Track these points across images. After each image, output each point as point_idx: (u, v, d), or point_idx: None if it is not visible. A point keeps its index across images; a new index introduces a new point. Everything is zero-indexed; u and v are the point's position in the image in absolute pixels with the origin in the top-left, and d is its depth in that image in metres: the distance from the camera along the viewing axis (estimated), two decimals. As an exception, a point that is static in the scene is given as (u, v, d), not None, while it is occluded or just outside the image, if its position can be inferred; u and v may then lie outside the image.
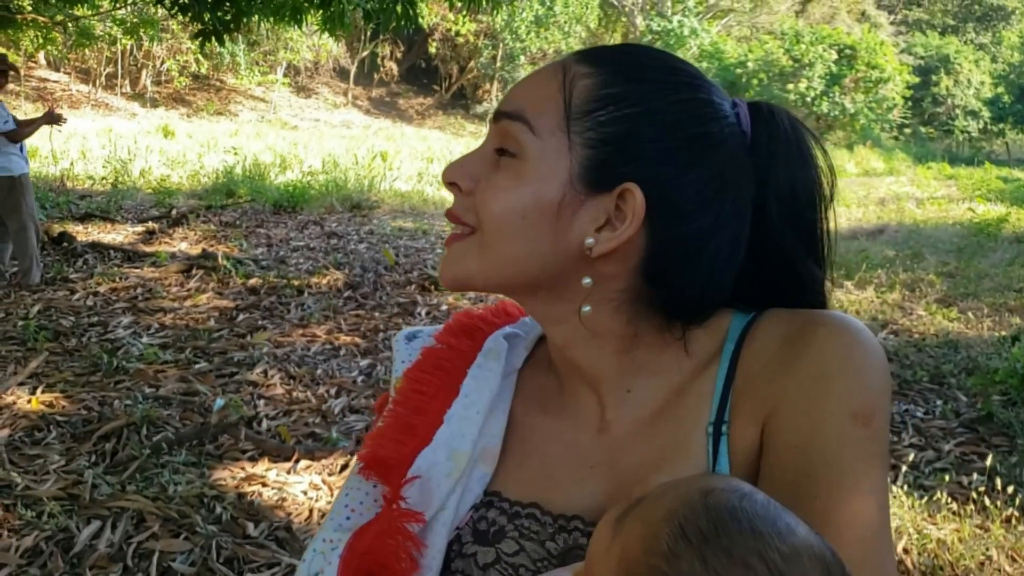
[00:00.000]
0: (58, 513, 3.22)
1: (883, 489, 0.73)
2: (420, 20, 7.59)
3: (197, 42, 7.80)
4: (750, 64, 32.21)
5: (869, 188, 17.95)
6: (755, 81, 31.66)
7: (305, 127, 26.49)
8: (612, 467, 0.81)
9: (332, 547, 0.82)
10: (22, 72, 6.99)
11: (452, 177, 0.81)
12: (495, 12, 9.18)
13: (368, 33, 29.62)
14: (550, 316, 0.83)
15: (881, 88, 31.12)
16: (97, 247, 8.06)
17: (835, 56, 30.76)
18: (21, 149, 6.81)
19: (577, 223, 0.77)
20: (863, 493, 0.70)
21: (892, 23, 43.74)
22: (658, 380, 0.82)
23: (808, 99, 30.69)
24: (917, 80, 33.12)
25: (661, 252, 0.77)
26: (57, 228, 8.43)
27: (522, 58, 37.23)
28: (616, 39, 40.15)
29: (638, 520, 0.63)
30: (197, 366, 5.00)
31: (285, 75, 31.21)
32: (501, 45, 36.46)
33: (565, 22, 36.58)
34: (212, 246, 8.47)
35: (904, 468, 3.64)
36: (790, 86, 30.83)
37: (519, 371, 0.93)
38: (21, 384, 4.54)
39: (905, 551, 3.02)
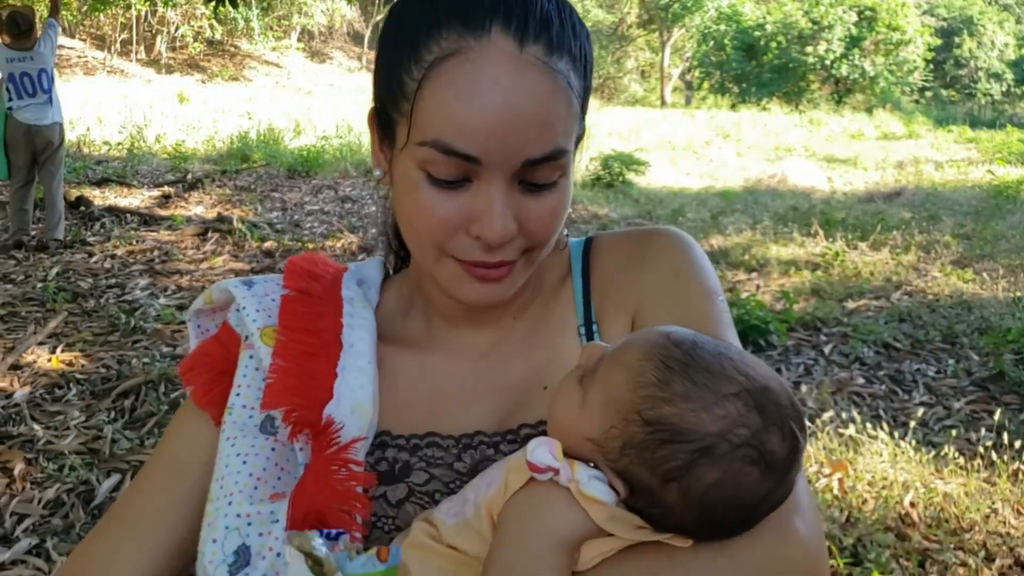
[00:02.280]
0: (79, 466, 3.29)
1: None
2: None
3: (211, 7, 7.77)
4: (768, 27, 31.80)
5: (887, 151, 17.75)
6: (773, 44, 31.28)
7: (319, 92, 26.42)
8: (498, 386, 0.89)
9: (249, 521, 0.78)
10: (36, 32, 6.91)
11: (508, 235, 0.77)
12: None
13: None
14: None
15: (902, 50, 30.68)
16: (114, 211, 8.12)
17: (855, 18, 30.32)
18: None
19: None
20: (735, 341, 0.85)
21: (914, -17, 43.00)
22: (533, 304, 0.94)
23: (827, 62, 30.31)
24: (939, 42, 32.63)
25: None
26: (75, 192, 8.49)
27: (537, 21, 36.89)
28: (634, 2, 39.63)
29: (616, 367, 0.72)
30: (213, 326, 5.05)
31: (299, 40, 31.10)
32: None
33: (581, -16, 36.15)
34: (227, 210, 8.51)
35: (913, 424, 3.66)
36: (809, 49, 30.44)
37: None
38: (41, 343, 4.61)
39: (912, 504, 3.05)
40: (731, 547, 0.69)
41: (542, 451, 0.70)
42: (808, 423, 3.69)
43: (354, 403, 0.83)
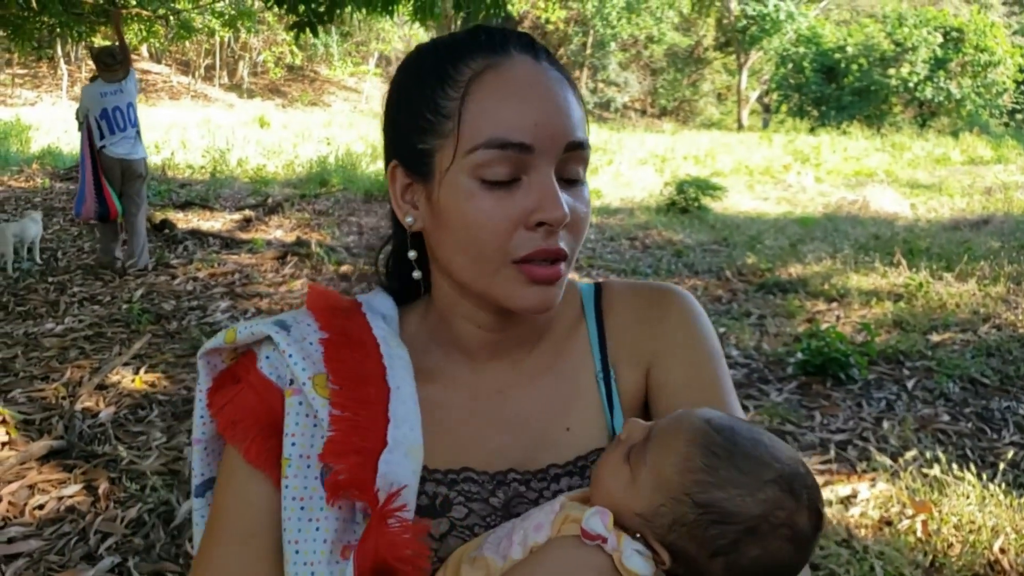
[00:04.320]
0: (160, 487, 3.37)
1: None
2: (510, 7, 7.61)
3: (292, 33, 7.98)
4: (849, 49, 31.25)
5: (975, 177, 17.20)
6: (854, 66, 30.72)
7: (396, 116, 26.86)
8: (518, 422, 0.93)
9: None
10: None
11: (567, 214, 0.83)
12: (585, -1, 9.12)
13: (458, 22, 29.88)
14: None
15: (990, 72, 29.81)
16: (196, 234, 8.36)
17: (940, 39, 29.60)
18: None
19: None
20: (738, 404, 0.95)
21: (1004, 3, 41.75)
22: (546, 339, 0.98)
23: (910, 84, 29.63)
24: (1029, 63, 31.54)
25: None
26: (159, 216, 8.77)
27: (612, 44, 36.97)
28: (710, 25, 39.43)
29: (663, 451, 0.79)
30: (290, 349, 5.15)
31: (377, 65, 31.70)
32: (591, 32, 36.24)
33: (657, 7, 36.15)
34: (306, 234, 8.69)
35: (1003, 466, 3.51)
36: (891, 71, 29.82)
37: None
38: (126, 364, 4.75)
39: (1002, 551, 2.92)
40: None
41: (596, 520, 0.77)
42: (890, 461, 3.58)
43: (407, 447, 0.85)
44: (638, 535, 0.78)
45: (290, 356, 0.87)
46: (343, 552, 0.83)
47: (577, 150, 0.84)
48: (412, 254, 0.94)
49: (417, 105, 0.86)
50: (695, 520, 0.76)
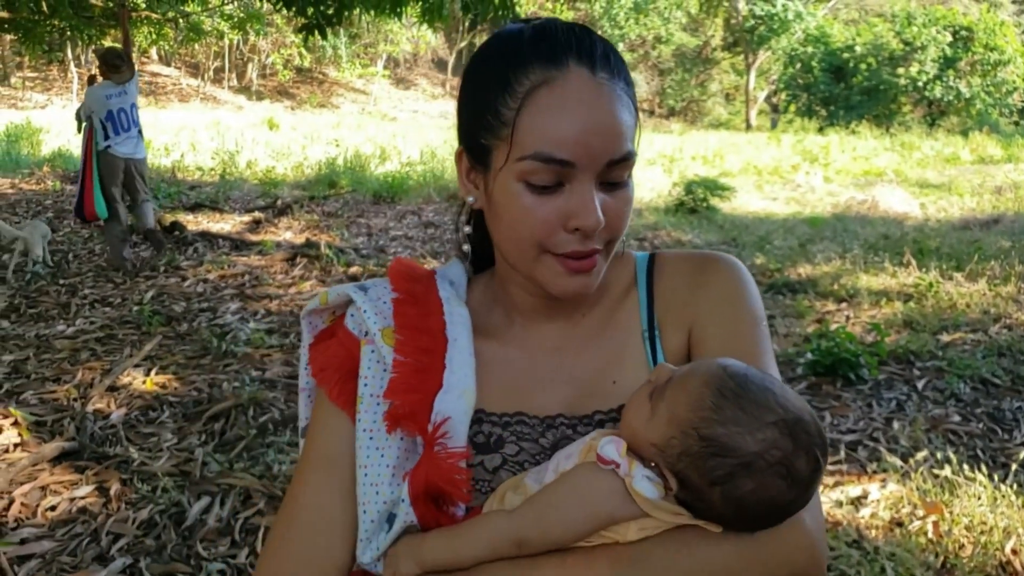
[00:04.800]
0: (171, 488, 3.38)
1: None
2: (518, 9, 7.61)
3: (301, 36, 8.01)
4: (858, 48, 31.18)
5: (984, 176, 17.12)
6: (863, 65, 30.64)
7: (404, 118, 26.89)
8: (571, 375, 1.05)
9: (394, 502, 0.96)
10: (135, 67, 7.43)
11: (602, 224, 0.93)
12: None
13: (466, 24, 29.88)
14: None
15: (1000, 71, 29.71)
16: (207, 236, 8.38)
17: (950, 38, 29.51)
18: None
19: None
20: (774, 366, 1.01)
21: (1014, 1, 41.55)
22: (600, 304, 1.08)
23: (920, 84, 29.54)
24: (1039, 62, 31.40)
25: None
26: (169, 217, 8.80)
27: (620, 45, 36.92)
28: (718, 25, 39.35)
29: (680, 391, 0.89)
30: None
31: (385, 67, 31.74)
32: (599, 33, 36.27)
33: (665, 8, 36.12)
34: (315, 235, 8.71)
35: (1014, 467, 3.50)
36: (900, 70, 29.74)
37: None
38: (137, 366, 4.77)
39: (1014, 552, 2.90)
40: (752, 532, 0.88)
41: (610, 447, 0.88)
42: (901, 462, 3.57)
43: (462, 389, 0.98)
44: (653, 464, 0.88)
45: (365, 312, 1.04)
46: (404, 476, 0.96)
47: (617, 165, 0.92)
48: (467, 229, 1.09)
49: (482, 105, 0.96)
50: (698, 451, 0.85)
